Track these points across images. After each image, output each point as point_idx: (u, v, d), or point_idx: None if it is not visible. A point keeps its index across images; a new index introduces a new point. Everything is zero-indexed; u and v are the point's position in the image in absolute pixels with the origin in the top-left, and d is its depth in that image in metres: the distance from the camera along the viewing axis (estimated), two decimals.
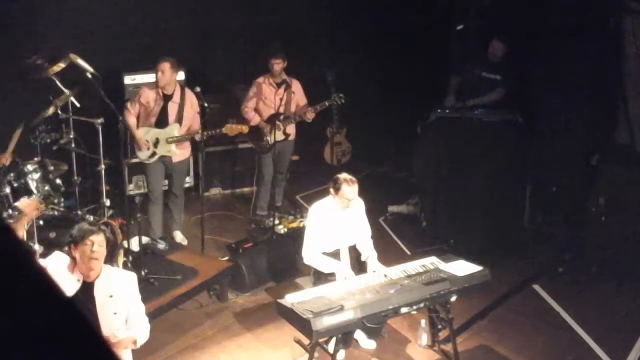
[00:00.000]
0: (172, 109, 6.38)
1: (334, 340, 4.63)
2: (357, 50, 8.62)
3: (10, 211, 5.14)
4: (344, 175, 5.11)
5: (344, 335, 4.67)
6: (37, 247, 5.39)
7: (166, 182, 6.82)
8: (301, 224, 6.52)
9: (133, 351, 4.00)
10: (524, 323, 5.66)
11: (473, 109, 7.24)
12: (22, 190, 5.43)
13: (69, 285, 3.76)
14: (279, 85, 6.90)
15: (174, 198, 6.76)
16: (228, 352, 5.21)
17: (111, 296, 3.83)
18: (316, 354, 4.76)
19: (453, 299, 4.77)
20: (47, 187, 5.68)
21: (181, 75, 7.15)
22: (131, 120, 6.35)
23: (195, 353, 5.16)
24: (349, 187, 5.03)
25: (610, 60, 6.87)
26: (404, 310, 4.55)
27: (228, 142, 7.66)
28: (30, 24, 6.63)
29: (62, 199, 6.11)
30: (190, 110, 6.42)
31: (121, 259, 5.46)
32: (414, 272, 4.86)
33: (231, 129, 6.38)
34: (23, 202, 4.42)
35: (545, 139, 7.15)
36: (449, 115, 7.25)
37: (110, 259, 4.85)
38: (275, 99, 6.91)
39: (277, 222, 6.67)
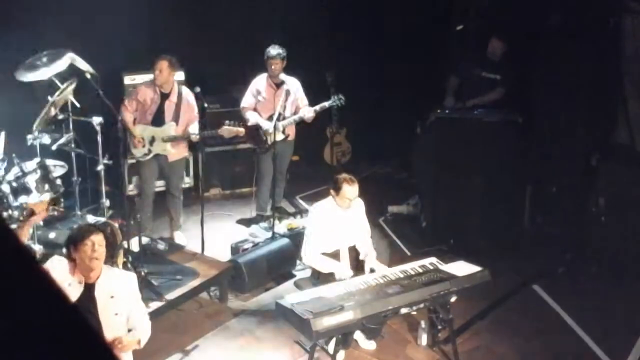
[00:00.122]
0: (169, 107, 6.38)
1: (333, 340, 4.63)
2: (357, 50, 8.61)
3: (17, 211, 5.10)
4: (344, 175, 5.13)
5: (344, 336, 4.67)
6: (37, 248, 5.38)
7: (163, 183, 6.81)
8: (301, 225, 6.52)
9: (134, 351, 4.00)
10: (524, 323, 5.66)
11: (473, 109, 7.23)
12: (22, 190, 5.42)
13: (72, 288, 3.75)
14: (278, 86, 6.90)
15: (172, 199, 6.75)
16: (228, 353, 5.20)
17: (112, 297, 3.83)
18: (316, 355, 4.76)
19: (453, 299, 4.77)
20: (47, 187, 5.66)
21: (181, 75, 7.16)
22: (128, 116, 6.35)
23: (195, 354, 5.15)
24: (350, 187, 5.04)
25: (610, 60, 6.87)
26: (403, 310, 4.55)
27: (228, 142, 7.65)
28: (30, 24, 6.62)
29: (62, 199, 6.09)
30: (187, 109, 6.42)
31: (121, 259, 5.45)
32: (414, 272, 4.87)
33: (227, 131, 6.37)
34: (34, 202, 4.38)
35: (545, 139, 7.16)
36: (449, 115, 7.25)
37: (110, 259, 4.84)
38: (274, 99, 6.91)
39: (277, 222, 6.68)
